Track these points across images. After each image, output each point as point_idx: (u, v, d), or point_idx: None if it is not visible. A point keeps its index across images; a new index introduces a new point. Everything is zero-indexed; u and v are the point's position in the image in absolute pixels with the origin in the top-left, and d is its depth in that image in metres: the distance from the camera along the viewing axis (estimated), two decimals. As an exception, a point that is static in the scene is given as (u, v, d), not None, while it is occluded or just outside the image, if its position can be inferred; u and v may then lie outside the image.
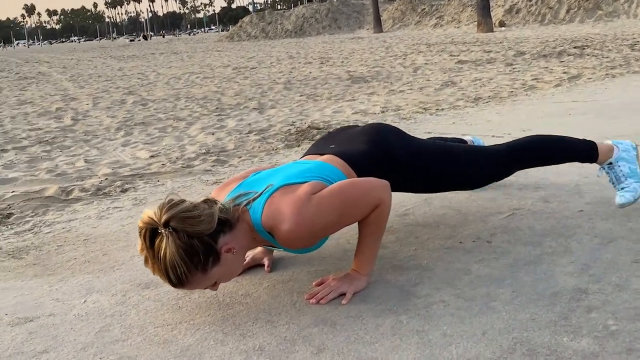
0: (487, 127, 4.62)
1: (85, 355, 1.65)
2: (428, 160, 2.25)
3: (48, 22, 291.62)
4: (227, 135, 5.28)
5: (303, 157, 2.24)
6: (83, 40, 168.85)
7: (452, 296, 1.86)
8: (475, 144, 2.96)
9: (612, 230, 2.30)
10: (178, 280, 1.68)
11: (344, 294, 1.88)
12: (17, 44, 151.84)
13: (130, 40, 76.87)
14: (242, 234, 1.81)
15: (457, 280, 1.97)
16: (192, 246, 1.65)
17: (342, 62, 12.86)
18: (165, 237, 1.63)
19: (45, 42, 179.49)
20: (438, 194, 2.80)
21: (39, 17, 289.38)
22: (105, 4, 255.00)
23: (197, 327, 1.78)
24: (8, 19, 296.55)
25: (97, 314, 1.90)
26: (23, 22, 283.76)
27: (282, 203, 1.81)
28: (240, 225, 1.81)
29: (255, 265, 2.19)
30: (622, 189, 2.37)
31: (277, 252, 2.28)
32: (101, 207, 3.15)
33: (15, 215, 3.11)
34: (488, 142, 3.02)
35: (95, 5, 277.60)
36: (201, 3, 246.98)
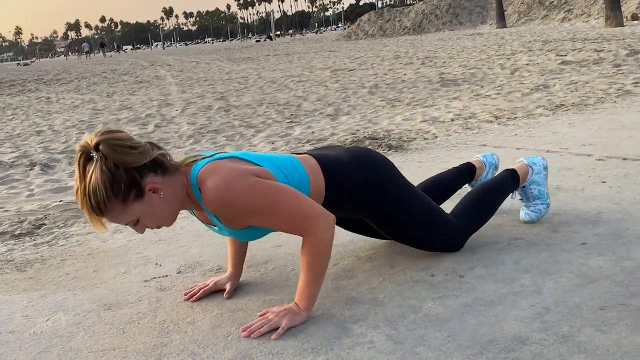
0: (548, 140, 4.37)
1: (11, 376, 1.77)
2: (401, 203, 2.23)
3: (185, 24, 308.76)
4: (285, 144, 5.37)
5: None
6: (216, 41, 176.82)
7: (384, 337, 1.80)
8: (487, 160, 2.85)
9: (602, 269, 2.13)
10: (97, 206, 1.75)
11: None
12: (156, 45, 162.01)
13: (257, 41, 79.42)
14: (176, 183, 1.86)
15: (401, 319, 1.90)
16: (115, 175, 1.73)
17: (444, 62, 12.59)
18: (94, 162, 1.73)
19: (181, 43, 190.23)
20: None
21: (177, 19, 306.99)
22: (238, 5, 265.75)
23: (125, 354, 1.85)
24: (148, 21, 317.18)
25: (49, 334, 2.02)
26: (162, 24, 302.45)
27: (223, 167, 1.86)
28: (178, 176, 1.87)
29: (218, 290, 2.24)
30: (528, 207, 2.64)
31: (242, 279, 2.32)
32: (123, 221, 3.32)
33: (45, 226, 3.35)
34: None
35: (228, 6, 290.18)
36: (330, 1, 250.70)
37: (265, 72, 14.76)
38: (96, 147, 1.73)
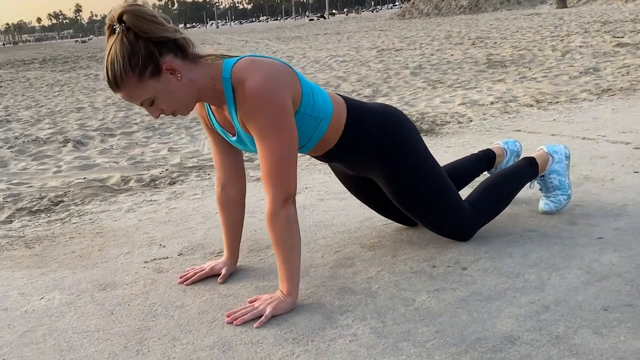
0: (587, 126, 4.18)
1: (-7, 354, 1.79)
2: (420, 170, 2.17)
3: (240, 2, 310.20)
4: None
5: None
6: (271, 19, 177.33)
7: (369, 330, 1.74)
8: (509, 147, 2.73)
9: (614, 265, 2.01)
10: (114, 79, 1.73)
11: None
12: (211, 24, 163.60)
13: (310, 20, 79.21)
14: (198, 72, 1.81)
15: (390, 312, 1.84)
16: (134, 47, 1.70)
17: (495, 43, 12.25)
18: (116, 35, 1.71)
19: (235, 22, 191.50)
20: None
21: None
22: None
23: (108, 336, 1.84)
24: (204, 0, 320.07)
25: (40, 313, 2.03)
26: (218, 2, 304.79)
27: (264, 63, 1.82)
28: (201, 66, 1.82)
29: (214, 275, 2.21)
30: (548, 197, 2.53)
31: (241, 263, 2.29)
32: (138, 200, 3.34)
33: (63, 203, 3.40)
34: (575, 144, 2.72)
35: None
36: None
37: (312, 51, 14.68)
38: (120, 19, 1.70)
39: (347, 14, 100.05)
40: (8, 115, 7.66)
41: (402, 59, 10.46)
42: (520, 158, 2.73)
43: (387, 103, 2.69)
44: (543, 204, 2.55)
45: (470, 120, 4.89)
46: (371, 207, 2.47)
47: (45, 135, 5.81)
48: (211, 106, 1.99)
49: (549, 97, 5.62)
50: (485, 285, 1.96)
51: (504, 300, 1.85)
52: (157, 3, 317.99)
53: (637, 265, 2.00)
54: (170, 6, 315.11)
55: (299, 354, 1.65)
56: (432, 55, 10.81)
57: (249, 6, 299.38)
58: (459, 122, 4.85)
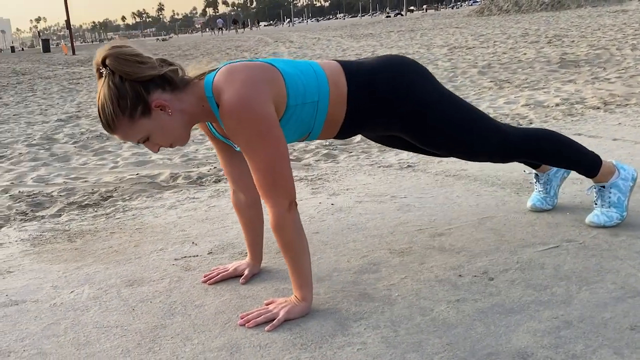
0: (653, 131, 3.97)
1: (14, 344, 1.86)
2: (438, 111, 2.05)
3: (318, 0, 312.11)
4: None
5: None
6: (348, 17, 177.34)
7: (379, 339, 1.71)
8: None
9: (652, 282, 1.90)
10: (107, 122, 1.76)
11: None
12: (288, 22, 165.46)
13: (387, 17, 78.70)
14: (187, 99, 1.82)
15: (405, 321, 1.80)
16: (121, 89, 1.72)
17: (572, 42, 11.82)
18: (103, 78, 1.74)
19: (312, 19, 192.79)
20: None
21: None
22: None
23: (125, 332, 1.88)
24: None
25: (67, 307, 2.10)
26: (295, 0, 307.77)
27: (237, 73, 1.80)
28: (190, 91, 1.82)
29: (237, 275, 2.22)
30: (601, 211, 2.39)
31: (266, 265, 2.29)
32: (182, 197, 3.41)
33: (112, 199, 3.51)
34: (637, 150, 2.56)
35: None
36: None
37: (382, 49, 14.58)
38: (103, 62, 1.73)
39: (425, 11, 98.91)
40: (79, 111, 7.98)
41: (472, 57, 10.24)
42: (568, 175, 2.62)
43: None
44: (593, 215, 2.41)
45: (530, 123, 4.74)
46: (414, 152, 2.40)
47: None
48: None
49: (619, 99, 5.37)
50: (509, 297, 1.89)
51: (526, 314, 1.78)
52: (237, 2, 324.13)
53: (677, 282, 1.88)
54: (249, 4, 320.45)
55: (305, 360, 1.65)
56: (504, 53, 10.54)
57: (327, 3, 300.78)
58: (518, 124, 4.70)
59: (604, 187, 2.36)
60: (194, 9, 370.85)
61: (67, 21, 38.51)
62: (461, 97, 5.23)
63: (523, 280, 2.00)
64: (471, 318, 1.79)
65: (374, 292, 2.02)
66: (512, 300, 1.87)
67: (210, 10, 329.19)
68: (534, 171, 2.64)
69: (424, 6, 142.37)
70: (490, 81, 7.48)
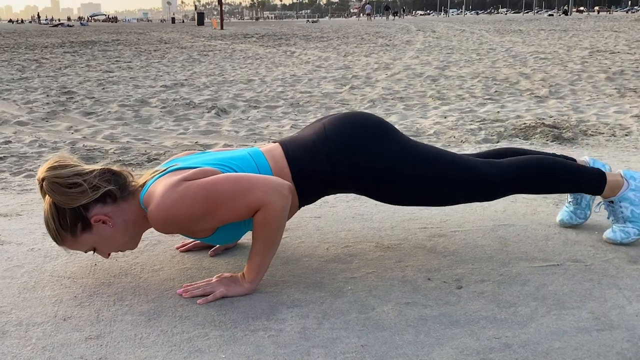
0: None
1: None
2: (404, 168, 1.93)
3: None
4: (456, 120, 5.05)
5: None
6: (511, 12, 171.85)
7: (298, 329, 1.65)
8: (595, 166, 2.36)
9: (637, 317, 1.67)
10: (52, 236, 1.85)
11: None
12: (452, 12, 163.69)
13: (549, 15, 75.28)
14: (131, 208, 1.86)
15: (338, 316, 1.72)
16: (59, 209, 1.79)
17: None
18: (45, 195, 1.82)
19: (472, 12, 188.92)
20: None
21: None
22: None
23: (72, 284, 1.94)
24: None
25: (41, 253, 2.20)
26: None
27: (161, 184, 1.81)
28: (131, 200, 1.87)
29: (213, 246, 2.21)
30: (617, 226, 2.20)
31: (244, 240, 2.27)
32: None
33: (156, 161, 3.62)
34: None
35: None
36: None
37: (519, 46, 13.95)
38: (41, 183, 1.78)
39: (598, 12, 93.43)
40: (186, 79, 8.32)
41: (609, 62, 9.53)
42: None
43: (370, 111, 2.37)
44: (610, 231, 2.22)
45: (626, 135, 4.33)
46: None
47: (199, 101, 6.23)
48: None
49: None
50: (464, 309, 1.74)
51: (468, 329, 1.63)
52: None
53: (664, 321, 1.64)
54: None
55: (210, 337, 1.61)
56: (634, 63, 9.71)
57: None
58: (612, 135, 4.31)
59: (612, 202, 2.17)
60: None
61: (220, -4, 40.21)
62: (572, 100, 4.79)
63: (492, 294, 1.82)
64: (407, 324, 1.66)
65: (329, 282, 1.93)
66: (465, 312, 1.72)
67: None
68: None
69: (596, 7, 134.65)
70: (615, 88, 6.92)
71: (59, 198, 1.77)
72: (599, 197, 2.27)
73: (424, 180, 1.93)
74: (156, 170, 1.92)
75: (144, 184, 1.87)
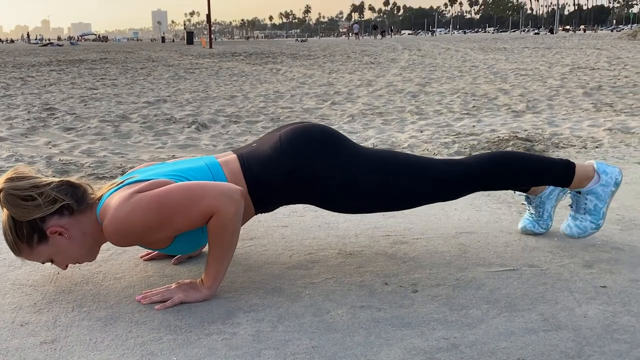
0: None
1: None
2: (358, 175, 1.96)
3: (469, 11, 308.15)
4: (431, 134, 5.10)
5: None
6: (497, 32, 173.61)
7: (252, 333, 1.66)
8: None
9: (585, 318, 1.72)
10: (10, 247, 1.87)
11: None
12: (433, 31, 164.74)
13: (535, 34, 76.08)
14: (88, 221, 1.88)
15: (293, 319, 1.74)
16: (17, 220, 1.81)
17: None
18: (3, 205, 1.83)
19: (459, 31, 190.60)
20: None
21: (461, 6, 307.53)
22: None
23: (33, 292, 1.95)
24: (431, 7, 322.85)
25: (7, 263, 2.20)
26: (444, 11, 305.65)
27: (115, 197, 1.83)
28: (89, 213, 1.89)
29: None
30: (574, 219, 2.21)
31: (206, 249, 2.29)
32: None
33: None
34: None
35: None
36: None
37: (502, 63, 14.11)
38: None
39: (584, 31, 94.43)
40: (169, 96, 8.36)
41: (587, 79, 9.66)
42: (564, 195, 2.38)
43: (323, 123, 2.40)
44: (566, 226, 2.23)
45: (597, 147, 4.39)
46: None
47: (179, 116, 6.26)
48: None
49: None
50: (416, 311, 1.77)
51: (418, 330, 1.65)
52: (384, 8, 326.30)
53: (610, 323, 1.67)
54: (395, 12, 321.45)
55: (164, 341, 1.62)
56: (627, 77, 9.85)
57: (477, 16, 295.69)
58: (584, 147, 4.38)
59: (579, 192, 2.17)
60: (340, 12, 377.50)
61: (208, 15, 40.51)
62: (547, 115, 4.83)
63: (446, 298, 1.85)
64: (359, 326, 1.68)
65: (288, 287, 1.95)
66: (417, 315, 1.74)
67: (355, 15, 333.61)
68: (523, 194, 2.43)
69: (582, 26, 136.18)
70: (591, 103, 7.02)
71: (14, 210, 1.79)
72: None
73: (379, 185, 1.97)
74: (114, 183, 1.95)
75: (101, 196, 1.90)
